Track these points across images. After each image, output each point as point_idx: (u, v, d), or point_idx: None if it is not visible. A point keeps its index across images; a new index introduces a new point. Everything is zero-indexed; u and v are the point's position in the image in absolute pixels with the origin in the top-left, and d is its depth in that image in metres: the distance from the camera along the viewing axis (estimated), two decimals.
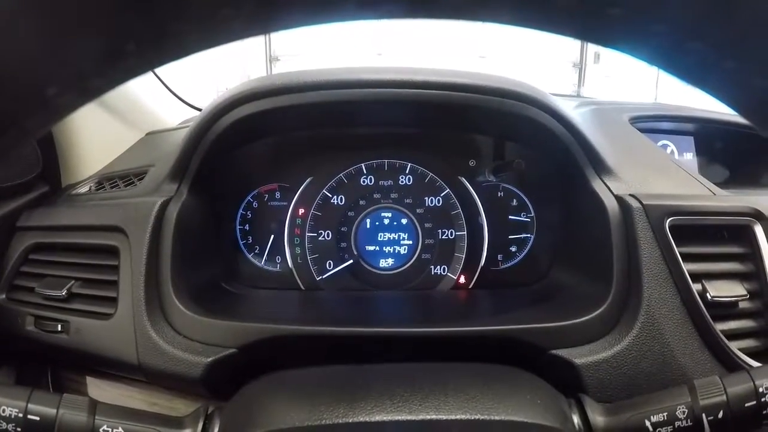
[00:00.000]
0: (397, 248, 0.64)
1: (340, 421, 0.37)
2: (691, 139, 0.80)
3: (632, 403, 0.41)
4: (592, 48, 2.56)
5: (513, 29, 0.17)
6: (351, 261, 0.63)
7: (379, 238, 0.64)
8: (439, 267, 0.64)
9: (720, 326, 0.50)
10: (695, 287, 0.49)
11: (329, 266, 0.64)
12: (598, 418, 0.40)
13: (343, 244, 0.64)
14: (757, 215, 0.54)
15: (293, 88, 0.53)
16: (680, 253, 0.50)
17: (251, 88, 0.54)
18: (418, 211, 0.64)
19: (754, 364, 0.50)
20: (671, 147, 0.79)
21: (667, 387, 0.41)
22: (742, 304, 0.52)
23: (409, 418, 0.38)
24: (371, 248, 0.64)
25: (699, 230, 0.52)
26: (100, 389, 0.61)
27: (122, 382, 0.58)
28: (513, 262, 0.65)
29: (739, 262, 0.53)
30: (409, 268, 0.64)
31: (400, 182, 0.64)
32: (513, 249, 0.65)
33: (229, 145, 0.58)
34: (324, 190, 0.64)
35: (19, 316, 0.56)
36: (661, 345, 0.48)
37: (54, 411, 0.38)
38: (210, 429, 0.40)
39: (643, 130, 0.66)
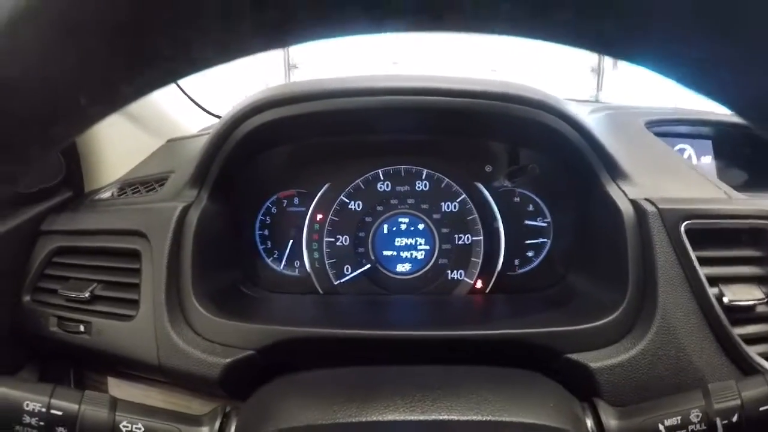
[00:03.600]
0: (414, 253, 0.64)
1: (353, 420, 0.38)
2: (709, 143, 0.79)
3: (646, 407, 0.41)
4: None
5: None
6: (368, 266, 0.63)
7: (396, 243, 0.64)
8: (455, 272, 0.64)
9: (738, 330, 0.49)
10: (712, 291, 0.49)
11: (347, 271, 0.64)
12: (611, 422, 0.40)
13: (361, 249, 0.64)
14: None
15: (309, 96, 0.54)
16: (697, 257, 0.49)
17: (269, 97, 0.54)
18: (434, 216, 0.64)
19: None
20: (689, 151, 0.78)
21: (682, 391, 0.41)
22: (761, 308, 0.51)
23: (420, 418, 0.38)
24: (388, 253, 0.64)
25: (716, 234, 0.52)
26: (120, 389, 0.62)
27: (142, 382, 0.59)
28: (530, 267, 0.65)
29: (757, 265, 0.52)
30: (425, 273, 0.64)
31: (416, 188, 0.64)
32: (530, 254, 0.65)
33: (248, 152, 0.59)
34: (341, 196, 0.64)
35: (42, 317, 0.57)
36: (677, 349, 0.48)
37: (76, 407, 0.39)
38: (227, 427, 0.41)
39: (659, 135, 0.66)
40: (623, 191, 0.53)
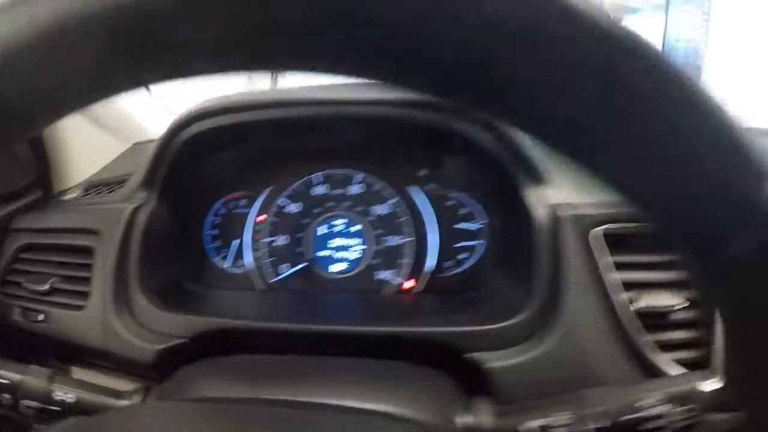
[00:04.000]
0: (348, 254, 0.67)
1: (237, 396, 0.45)
2: None
3: (526, 407, 0.43)
4: None
5: None
6: (304, 264, 0.67)
7: (331, 245, 0.68)
8: (386, 272, 0.67)
9: (653, 336, 0.50)
10: (625, 296, 0.50)
11: (284, 269, 0.68)
12: (485, 419, 0.42)
13: (299, 249, 0.68)
14: None
15: (241, 107, 0.59)
16: (615, 262, 0.50)
17: (205, 107, 0.59)
18: (368, 218, 0.67)
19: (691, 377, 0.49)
20: None
21: None
22: (680, 314, 0.51)
23: (287, 398, 0.43)
24: (324, 254, 0.68)
25: (639, 239, 0.52)
26: (80, 376, 0.68)
27: (96, 371, 0.65)
28: (461, 269, 0.67)
29: (681, 270, 0.52)
30: (358, 273, 0.67)
31: (352, 191, 0.67)
32: (462, 256, 0.67)
33: (192, 156, 0.64)
34: (281, 199, 0.68)
35: (8, 308, 0.64)
36: (582, 354, 0.49)
37: (20, 377, 0.48)
38: (147, 399, 0.48)
39: None
40: (540, 195, 0.54)
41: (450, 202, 0.67)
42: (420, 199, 0.66)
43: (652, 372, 0.49)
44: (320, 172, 0.68)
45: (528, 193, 0.55)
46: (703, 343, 0.51)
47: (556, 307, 0.50)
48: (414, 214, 0.66)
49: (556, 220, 0.52)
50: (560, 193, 0.54)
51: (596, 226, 0.51)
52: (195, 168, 0.66)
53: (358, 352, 0.50)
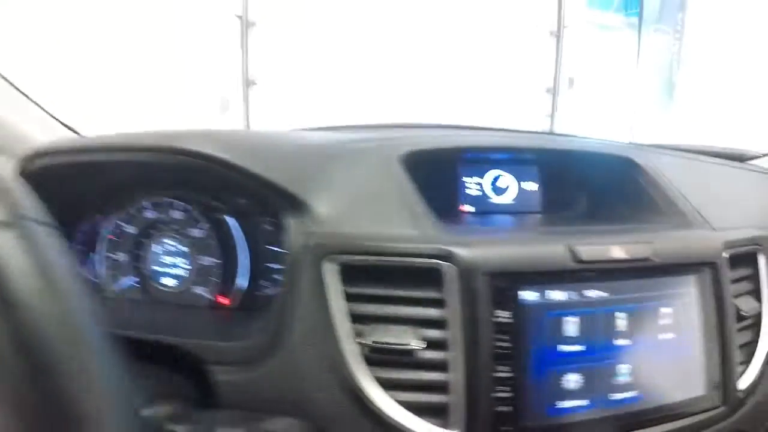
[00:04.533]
0: (177, 270, 0.78)
1: None
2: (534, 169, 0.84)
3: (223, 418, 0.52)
4: (566, 72, 2.57)
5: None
6: (136, 280, 0.77)
7: (163, 261, 0.78)
8: (201, 288, 0.77)
9: (377, 373, 0.52)
10: (348, 327, 0.53)
11: (124, 282, 0.78)
12: (178, 427, 0.49)
13: (138, 265, 0.78)
14: (448, 257, 0.53)
15: (72, 151, 0.69)
16: (348, 293, 0.54)
17: (45, 148, 0.69)
18: (189, 240, 0.77)
19: (409, 418, 0.52)
20: (506, 178, 0.84)
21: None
22: (420, 354, 0.53)
23: None
24: (159, 269, 0.78)
25: (377, 271, 0.55)
26: None
27: None
28: (272, 288, 0.76)
29: (427, 307, 0.54)
30: (184, 288, 0.77)
31: (175, 216, 0.78)
32: (277, 276, 0.76)
33: (44, 186, 0.74)
34: (120, 221, 0.78)
35: None
36: (300, 381, 0.54)
37: None
38: None
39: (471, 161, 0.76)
40: (295, 224, 0.58)
41: (265, 227, 0.77)
42: (232, 224, 0.76)
43: (367, 408, 0.51)
44: (151, 200, 0.78)
45: (286, 221, 0.60)
46: (439, 387, 0.52)
47: (285, 333, 0.55)
48: (225, 237, 0.76)
49: (298, 247, 0.57)
50: (314, 223, 0.58)
51: (331, 256, 0.55)
52: (56, 195, 0.75)
53: (140, 355, 0.58)
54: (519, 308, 0.54)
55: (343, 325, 0.53)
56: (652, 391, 0.58)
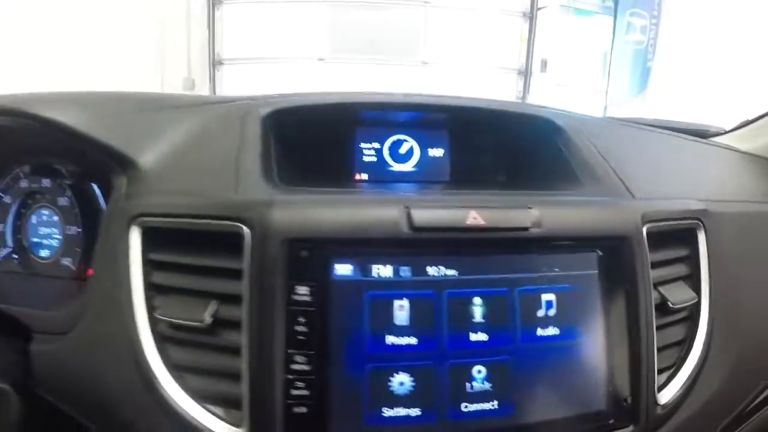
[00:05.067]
0: (51, 241, 0.77)
1: None
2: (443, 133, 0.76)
3: None
4: (538, 55, 2.51)
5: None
6: (10, 249, 0.77)
7: (41, 232, 0.77)
8: (68, 260, 0.75)
9: (175, 354, 0.47)
10: (140, 299, 0.49)
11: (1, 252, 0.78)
12: None
13: (18, 236, 0.78)
14: (247, 220, 0.46)
15: None
16: (151, 260, 0.50)
17: None
18: (60, 209, 0.76)
19: (193, 408, 0.46)
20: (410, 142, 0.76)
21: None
22: (214, 334, 0.47)
23: None
24: (36, 240, 0.77)
25: (191, 236, 0.49)
26: None
27: None
28: None
29: (225, 278, 0.48)
30: (55, 259, 0.76)
31: (50, 185, 0.76)
32: None
33: None
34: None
35: None
36: (92, 357, 0.51)
37: None
38: None
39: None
40: (118, 186, 0.57)
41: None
42: (98, 192, 0.74)
43: (156, 393, 0.46)
44: (26, 167, 0.77)
45: (114, 182, 0.58)
46: (231, 375, 0.45)
47: (89, 303, 0.51)
48: (87, 206, 0.74)
49: (110, 209, 0.56)
50: (132, 183, 0.55)
51: (137, 218, 0.50)
52: None
53: None
54: (325, 285, 0.45)
55: (137, 296, 0.48)
56: (523, 403, 0.47)
